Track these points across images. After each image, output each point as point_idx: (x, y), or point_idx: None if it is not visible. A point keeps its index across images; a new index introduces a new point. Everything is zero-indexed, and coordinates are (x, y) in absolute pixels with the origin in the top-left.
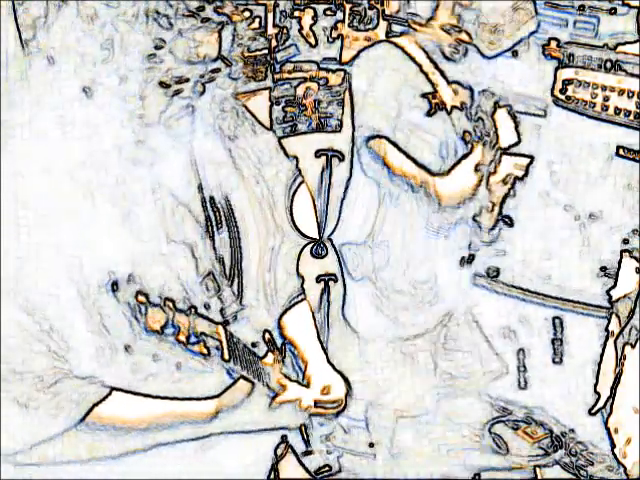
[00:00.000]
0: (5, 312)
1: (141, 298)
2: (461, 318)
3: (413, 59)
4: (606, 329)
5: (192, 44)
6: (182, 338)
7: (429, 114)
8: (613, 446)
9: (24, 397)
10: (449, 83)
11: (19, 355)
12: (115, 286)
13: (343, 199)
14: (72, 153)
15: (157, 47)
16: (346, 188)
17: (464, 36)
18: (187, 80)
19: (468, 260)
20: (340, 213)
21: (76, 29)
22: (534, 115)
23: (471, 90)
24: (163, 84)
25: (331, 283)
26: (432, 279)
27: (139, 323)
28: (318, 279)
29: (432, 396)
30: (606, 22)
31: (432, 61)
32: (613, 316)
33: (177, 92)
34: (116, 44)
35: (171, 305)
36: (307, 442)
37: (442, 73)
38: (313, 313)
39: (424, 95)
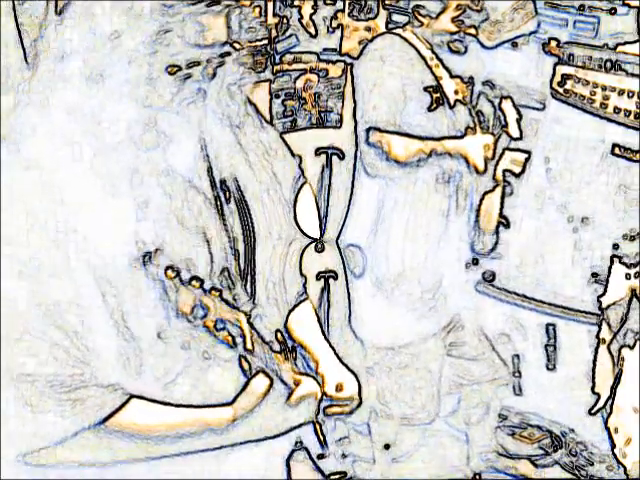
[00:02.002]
0: (27, 313)
1: (170, 273)
2: (466, 324)
3: (418, 51)
4: (597, 336)
5: (199, 28)
6: (210, 323)
7: (430, 109)
8: (613, 446)
9: (34, 400)
10: (452, 76)
11: (35, 358)
12: (147, 258)
13: (350, 199)
14: (86, 144)
15: (164, 31)
16: (351, 188)
17: (471, 30)
18: (198, 64)
19: (473, 262)
20: (346, 214)
21: (82, 25)
22: (532, 108)
23: (472, 84)
24: (174, 68)
25: (331, 281)
26: (436, 285)
27: (170, 304)
28: (318, 276)
29: (436, 403)
30: (606, 22)
31: (434, 53)
32: (604, 323)
33: (188, 76)
34: (123, 32)
35: (197, 284)
36: (323, 444)
37: (444, 65)
38: (317, 313)
39: (426, 89)
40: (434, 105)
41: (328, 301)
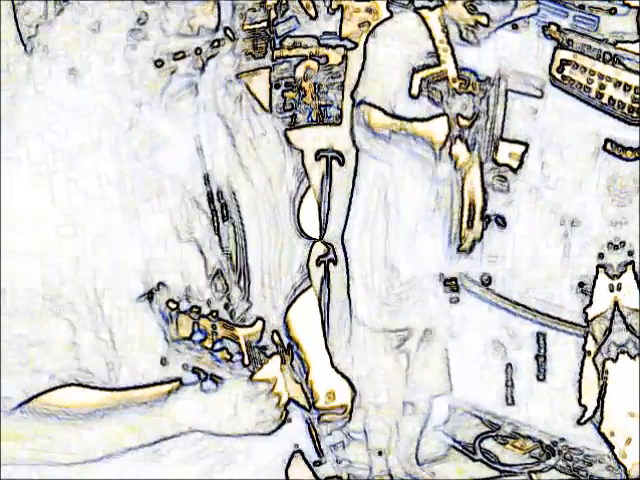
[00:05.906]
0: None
1: (172, 305)
2: (436, 331)
3: (430, 32)
4: (583, 348)
5: (185, 15)
6: (208, 344)
7: (410, 93)
8: (612, 447)
9: None
10: (458, 67)
11: None
12: (150, 295)
13: (350, 200)
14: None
15: (140, 22)
16: (352, 188)
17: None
18: (183, 56)
19: (451, 281)
20: (347, 214)
21: (65, 18)
22: (531, 96)
23: (481, 81)
24: (157, 62)
25: (331, 266)
26: (413, 282)
27: (168, 331)
28: (318, 261)
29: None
30: (606, 22)
31: (449, 43)
32: (589, 335)
33: (174, 70)
34: (102, 24)
35: (196, 310)
36: (319, 452)
37: (453, 53)
38: (320, 303)
39: (415, 70)
40: (417, 90)
41: (328, 289)
